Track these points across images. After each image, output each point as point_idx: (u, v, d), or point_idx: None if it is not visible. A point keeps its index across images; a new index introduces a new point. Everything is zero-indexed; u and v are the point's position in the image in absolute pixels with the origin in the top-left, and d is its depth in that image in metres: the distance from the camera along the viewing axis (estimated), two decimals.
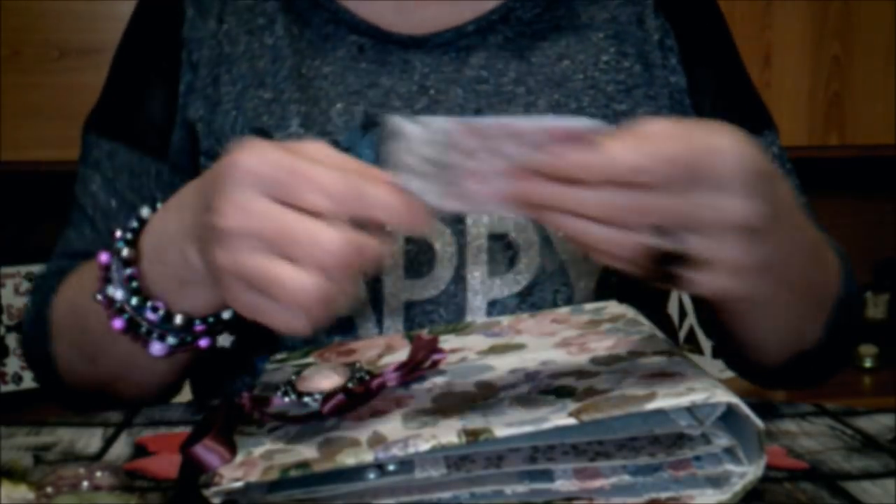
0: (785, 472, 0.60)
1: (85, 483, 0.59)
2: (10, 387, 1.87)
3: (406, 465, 0.52)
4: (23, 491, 0.57)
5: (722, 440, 0.53)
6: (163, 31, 0.86)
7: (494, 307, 0.80)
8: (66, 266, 0.84)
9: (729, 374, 0.91)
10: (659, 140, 0.53)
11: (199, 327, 0.68)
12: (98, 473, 0.60)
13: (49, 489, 0.58)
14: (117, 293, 0.67)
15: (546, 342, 0.67)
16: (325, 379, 0.61)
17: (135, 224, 0.68)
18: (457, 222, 0.80)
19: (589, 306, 0.76)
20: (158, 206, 0.68)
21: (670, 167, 0.52)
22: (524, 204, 0.53)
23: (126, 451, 0.65)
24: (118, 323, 0.67)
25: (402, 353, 0.68)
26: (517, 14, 0.86)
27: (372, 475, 0.52)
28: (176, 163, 0.85)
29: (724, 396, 0.52)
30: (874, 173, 2.20)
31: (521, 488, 0.53)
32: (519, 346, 0.67)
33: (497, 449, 0.53)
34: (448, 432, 0.52)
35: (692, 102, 0.86)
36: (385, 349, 0.72)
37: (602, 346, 0.64)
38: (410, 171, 0.54)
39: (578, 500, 0.53)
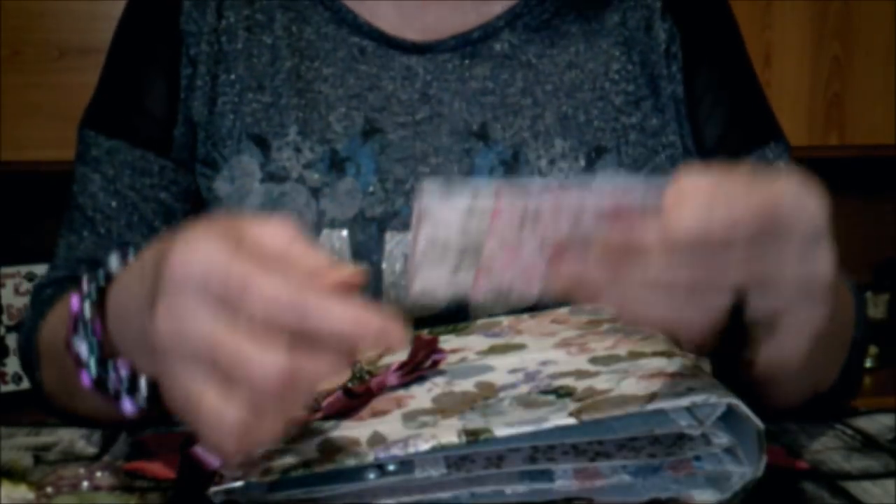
0: (785, 473, 0.60)
1: (85, 483, 0.59)
2: (10, 387, 1.87)
3: (406, 465, 0.52)
4: (23, 491, 0.57)
5: (722, 440, 0.53)
6: (160, 23, 0.84)
7: None
8: (63, 277, 0.82)
9: None
10: (722, 198, 0.47)
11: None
12: (98, 473, 0.60)
13: (49, 489, 0.58)
14: (82, 348, 0.61)
15: (546, 342, 0.67)
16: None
17: (102, 282, 0.61)
18: None
19: (589, 307, 0.76)
20: (130, 257, 0.61)
21: (744, 225, 0.46)
22: (568, 282, 0.49)
23: (126, 451, 0.65)
24: (85, 378, 0.61)
25: (402, 353, 0.67)
26: (524, 20, 0.84)
27: (372, 475, 0.52)
28: (179, 159, 0.83)
29: (724, 396, 0.52)
30: (874, 173, 2.20)
31: (521, 488, 0.53)
32: (519, 347, 0.67)
33: (497, 449, 0.53)
34: (448, 432, 0.52)
35: (688, 112, 0.83)
36: (385, 349, 0.72)
37: (602, 346, 0.64)
38: (431, 258, 0.48)
39: (578, 501, 0.53)
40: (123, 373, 0.59)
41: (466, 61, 0.82)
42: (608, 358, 0.61)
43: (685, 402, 0.52)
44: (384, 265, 0.79)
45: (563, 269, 0.48)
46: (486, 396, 0.57)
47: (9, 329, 1.91)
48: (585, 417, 0.51)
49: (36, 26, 1.81)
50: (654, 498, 0.53)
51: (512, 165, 0.80)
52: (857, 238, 2.21)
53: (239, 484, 0.51)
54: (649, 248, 0.46)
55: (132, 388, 0.60)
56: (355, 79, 0.82)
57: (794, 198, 0.48)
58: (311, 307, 0.45)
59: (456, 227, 0.47)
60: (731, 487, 0.53)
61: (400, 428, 0.54)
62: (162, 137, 0.83)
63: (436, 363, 0.64)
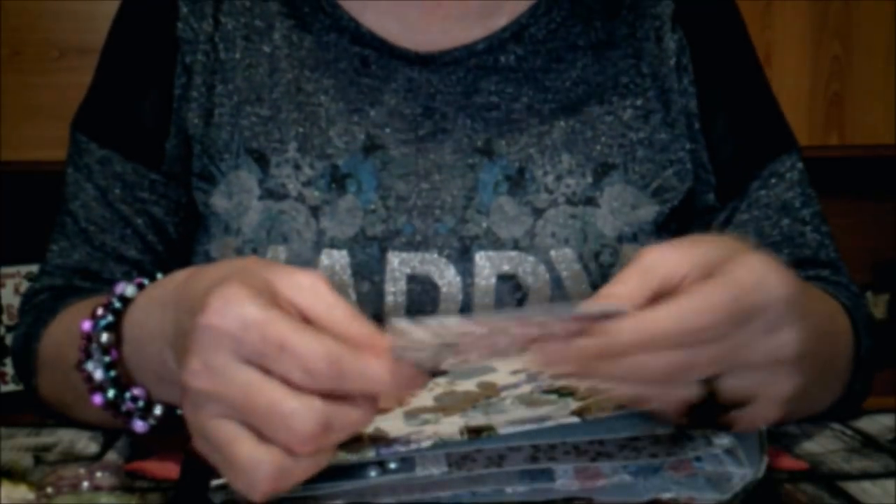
0: (785, 473, 0.60)
1: (85, 483, 0.59)
2: (11, 387, 1.87)
3: (407, 463, 0.52)
4: (23, 491, 0.57)
5: (723, 441, 0.53)
6: (155, 29, 0.82)
7: None
8: (60, 286, 0.82)
9: None
10: (694, 301, 0.48)
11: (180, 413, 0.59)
12: (98, 474, 0.60)
13: (49, 489, 0.58)
14: (97, 373, 0.61)
15: None
16: None
17: (117, 304, 0.62)
18: (463, 261, 0.77)
19: None
20: (145, 282, 0.63)
21: (711, 321, 0.48)
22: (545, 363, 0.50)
23: (126, 452, 0.65)
24: (98, 399, 0.61)
25: None
26: (530, 32, 0.81)
27: (373, 473, 0.52)
28: (170, 172, 0.81)
29: None
30: (874, 173, 2.20)
31: (522, 487, 0.53)
32: (521, 349, 0.67)
33: (498, 448, 0.53)
34: (450, 429, 0.52)
35: (702, 126, 0.82)
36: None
37: None
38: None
39: (579, 500, 0.53)
40: (140, 400, 0.60)
41: (471, 74, 0.80)
42: None
43: None
44: (386, 286, 0.77)
45: (545, 355, 0.49)
46: (489, 395, 0.57)
47: (9, 329, 1.91)
48: (587, 416, 0.51)
49: (36, 26, 1.81)
50: (654, 498, 0.53)
51: (517, 181, 0.78)
52: (857, 238, 2.21)
53: None
54: (623, 351, 0.47)
55: (146, 411, 0.61)
56: (357, 92, 0.80)
57: (759, 284, 0.49)
58: (348, 368, 0.46)
59: (428, 347, 0.48)
60: (732, 488, 0.53)
61: (402, 425, 0.54)
62: (153, 150, 0.81)
63: None
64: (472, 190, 0.78)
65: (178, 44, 0.81)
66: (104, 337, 0.61)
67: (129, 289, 0.62)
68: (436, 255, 0.77)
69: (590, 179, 0.79)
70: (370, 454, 0.51)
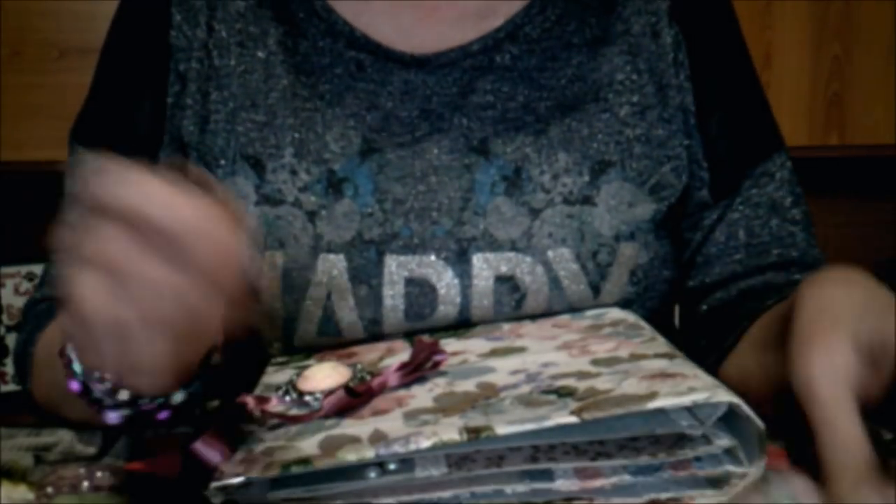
0: None
1: (85, 483, 0.59)
2: (11, 387, 1.88)
3: (407, 464, 0.52)
4: (23, 491, 0.57)
5: (723, 441, 0.53)
6: (148, 37, 0.82)
7: None
8: (59, 294, 0.82)
9: None
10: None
11: (145, 406, 0.59)
12: (98, 473, 0.60)
13: (49, 489, 0.58)
14: (73, 353, 0.59)
15: (547, 345, 0.67)
16: (326, 378, 0.61)
17: None
18: (460, 263, 0.77)
19: (590, 312, 0.76)
20: None
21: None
22: None
23: (126, 452, 0.65)
24: (74, 385, 0.60)
25: (403, 356, 0.68)
26: (525, 31, 0.81)
27: (373, 474, 0.52)
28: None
29: (726, 396, 0.52)
30: (874, 173, 2.20)
31: (522, 488, 0.53)
32: (520, 350, 0.67)
33: (498, 448, 0.53)
34: (449, 430, 0.52)
35: (697, 123, 0.82)
36: (386, 352, 0.72)
37: (603, 348, 0.64)
38: None
39: (579, 500, 0.53)
40: (105, 384, 0.58)
41: (467, 75, 0.80)
42: (609, 360, 0.61)
43: (686, 401, 0.52)
44: (384, 289, 0.77)
45: None
46: (488, 396, 0.57)
47: (9, 329, 1.92)
48: (587, 416, 0.51)
49: (36, 26, 1.81)
50: (654, 498, 0.53)
51: (514, 181, 0.78)
52: (857, 238, 2.21)
53: (239, 479, 0.51)
54: None
55: (113, 396, 0.59)
56: (353, 97, 0.80)
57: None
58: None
59: None
60: (732, 488, 0.53)
61: (401, 426, 0.54)
62: (148, 159, 0.79)
63: (437, 364, 0.64)
64: (469, 191, 0.78)
65: (171, 51, 0.81)
66: None
67: None
68: (433, 258, 0.77)
69: (587, 178, 0.79)
70: (370, 455, 0.51)
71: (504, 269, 0.77)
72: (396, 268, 0.77)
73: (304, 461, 0.51)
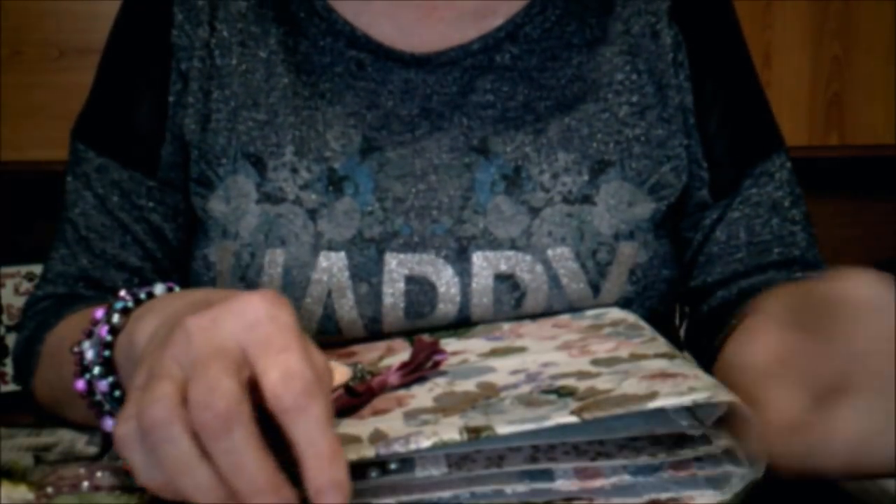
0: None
1: (85, 483, 0.59)
2: (11, 387, 1.88)
3: (407, 463, 0.52)
4: (23, 491, 0.57)
5: (722, 441, 0.53)
6: (150, 36, 0.82)
7: None
8: (62, 292, 0.82)
9: None
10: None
11: None
12: (98, 473, 0.60)
13: (49, 489, 0.58)
14: (88, 352, 0.60)
15: (547, 345, 0.67)
16: None
17: (142, 296, 0.60)
18: (460, 261, 0.77)
19: (590, 312, 0.76)
20: (176, 289, 0.61)
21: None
22: None
23: None
24: (80, 383, 0.60)
25: (403, 356, 0.68)
26: (525, 31, 0.81)
27: (373, 473, 0.52)
28: (165, 178, 0.82)
29: (726, 396, 0.52)
30: (874, 173, 2.20)
31: (522, 488, 0.53)
32: (520, 349, 0.67)
33: (498, 448, 0.53)
34: (449, 430, 0.52)
35: (696, 122, 0.82)
36: (386, 351, 0.72)
37: (603, 348, 0.64)
38: None
39: (579, 500, 0.53)
40: (110, 382, 0.59)
41: (467, 74, 0.80)
42: (610, 360, 0.61)
43: (687, 401, 0.51)
44: (384, 287, 0.77)
45: None
46: (488, 396, 0.57)
47: (9, 329, 1.92)
48: (587, 416, 0.51)
49: (36, 26, 1.81)
50: (654, 498, 0.53)
51: (513, 180, 0.78)
52: (857, 238, 2.21)
53: None
54: None
55: (113, 401, 0.59)
56: (353, 96, 0.80)
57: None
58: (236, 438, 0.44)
59: None
60: (732, 488, 0.53)
61: (401, 426, 0.54)
62: (149, 157, 0.82)
63: (437, 364, 0.64)
64: (469, 190, 0.78)
65: (172, 50, 0.81)
66: (115, 317, 0.59)
67: (158, 288, 0.61)
68: (433, 256, 0.77)
69: (586, 177, 0.79)
70: (370, 454, 0.51)
71: (504, 267, 0.77)
72: (396, 266, 0.77)
73: None
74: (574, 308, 0.78)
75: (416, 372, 0.62)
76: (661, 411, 0.53)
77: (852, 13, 1.97)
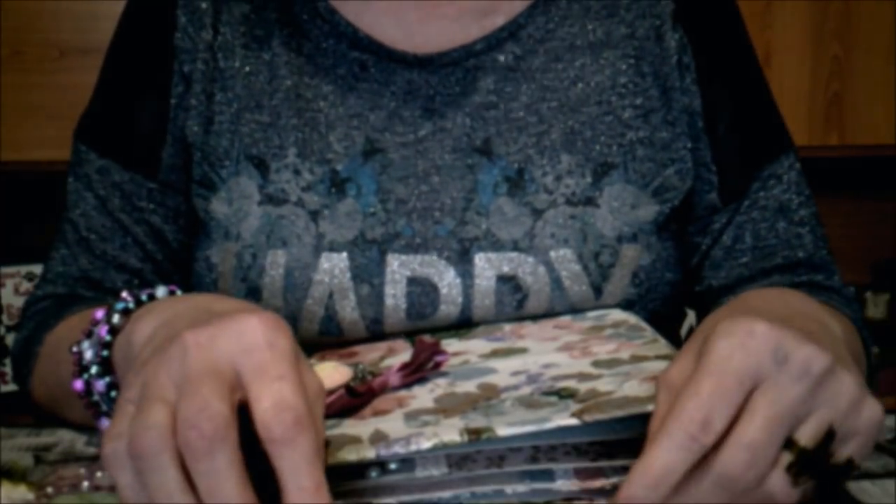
0: None
1: (85, 483, 0.59)
2: (11, 387, 1.88)
3: (407, 463, 0.52)
4: (23, 491, 0.57)
5: None
6: (153, 39, 0.82)
7: None
8: (62, 292, 0.82)
9: None
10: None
11: None
12: (98, 473, 0.60)
13: (49, 489, 0.58)
14: (87, 352, 0.60)
15: (548, 346, 0.67)
16: (327, 378, 0.61)
17: (143, 297, 0.61)
18: (463, 263, 0.77)
19: (591, 313, 0.76)
20: (178, 292, 0.62)
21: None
22: None
23: None
24: (78, 383, 0.61)
25: (404, 356, 0.68)
26: (528, 31, 0.81)
27: (374, 473, 0.52)
28: (166, 181, 0.82)
29: None
30: (874, 173, 2.21)
31: (522, 488, 0.53)
32: (521, 351, 0.67)
33: (498, 448, 0.53)
34: (450, 431, 0.52)
35: (705, 126, 0.81)
36: (387, 352, 0.72)
37: (604, 349, 0.64)
38: None
39: (579, 501, 0.53)
40: (107, 382, 0.59)
41: (470, 74, 0.80)
42: (610, 361, 0.61)
43: None
44: (386, 288, 0.77)
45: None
46: (489, 397, 0.57)
47: (9, 329, 1.92)
48: (587, 418, 0.51)
49: (36, 26, 1.81)
50: None
51: (516, 181, 0.78)
52: (857, 238, 2.21)
53: None
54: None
55: (109, 401, 0.60)
56: (356, 97, 0.80)
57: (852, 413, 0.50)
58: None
59: None
60: None
61: (402, 426, 0.54)
62: (150, 159, 0.82)
63: (438, 365, 0.64)
64: (472, 191, 0.78)
65: (175, 53, 0.81)
66: (115, 318, 0.59)
67: (160, 290, 0.61)
68: (435, 257, 0.77)
69: (589, 179, 0.79)
70: (370, 455, 0.51)
71: (506, 269, 0.77)
72: (398, 267, 0.77)
73: None
74: (576, 310, 0.78)
75: (417, 373, 0.62)
76: None
77: (852, 13, 1.97)
